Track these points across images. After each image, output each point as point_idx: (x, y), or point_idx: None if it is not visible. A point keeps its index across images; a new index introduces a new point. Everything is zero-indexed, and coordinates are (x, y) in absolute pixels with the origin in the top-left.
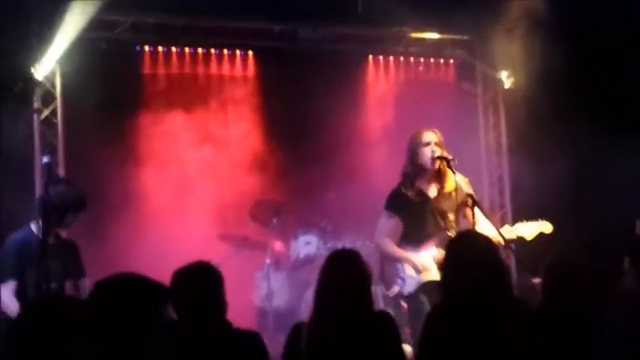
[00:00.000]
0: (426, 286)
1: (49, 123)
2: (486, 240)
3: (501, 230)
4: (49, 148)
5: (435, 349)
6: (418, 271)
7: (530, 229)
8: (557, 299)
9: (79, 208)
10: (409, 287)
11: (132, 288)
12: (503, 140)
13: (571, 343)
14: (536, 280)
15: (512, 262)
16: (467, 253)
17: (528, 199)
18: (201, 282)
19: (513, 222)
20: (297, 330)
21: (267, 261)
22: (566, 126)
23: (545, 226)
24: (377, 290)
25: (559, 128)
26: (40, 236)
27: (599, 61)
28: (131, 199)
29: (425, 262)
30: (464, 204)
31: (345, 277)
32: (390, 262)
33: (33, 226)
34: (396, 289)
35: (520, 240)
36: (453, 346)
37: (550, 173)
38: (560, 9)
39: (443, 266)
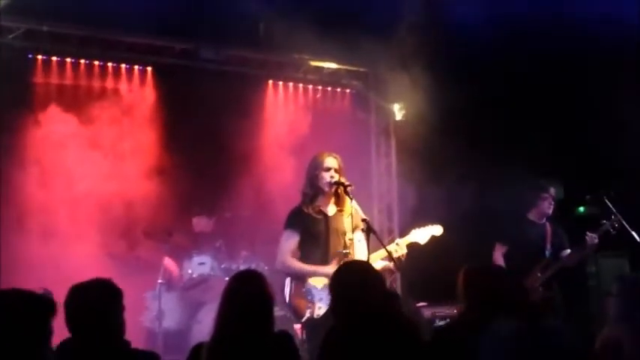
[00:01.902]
0: None
1: None
2: (370, 267)
3: (395, 243)
4: None
5: None
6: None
7: (423, 234)
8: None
9: None
10: (320, 310)
11: (13, 300)
12: (394, 168)
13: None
14: (420, 304)
15: (397, 286)
16: (352, 282)
17: (416, 225)
18: (100, 299)
19: None
20: (197, 350)
21: (160, 281)
22: (454, 155)
23: (436, 229)
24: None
25: (447, 157)
26: None
27: (487, 95)
28: (13, 213)
29: None
30: (358, 228)
31: (248, 298)
32: (298, 286)
33: None
34: (306, 314)
35: (415, 245)
36: None
37: (437, 200)
38: (452, 45)
39: (332, 293)
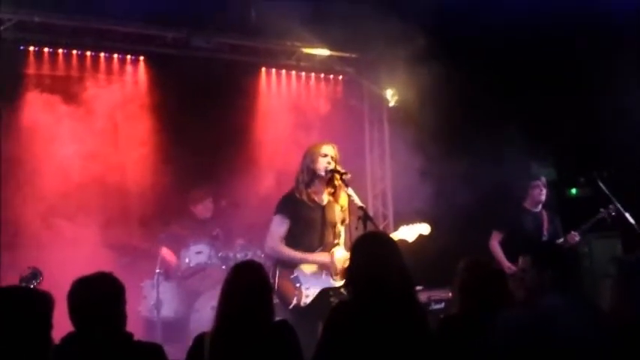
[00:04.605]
0: (323, 295)
1: None
2: (393, 242)
3: None
4: None
5: (338, 343)
6: (326, 268)
7: (411, 232)
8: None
9: None
10: (307, 298)
11: (13, 296)
12: (387, 154)
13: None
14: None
15: None
16: (377, 252)
17: (409, 211)
18: (104, 293)
19: None
20: (200, 340)
21: (157, 270)
22: (447, 140)
23: (424, 228)
24: None
25: (440, 142)
26: None
27: (479, 79)
28: (8, 206)
29: (326, 262)
30: (346, 220)
31: (248, 288)
32: (285, 272)
33: None
34: (293, 301)
35: (403, 243)
36: (356, 339)
37: (431, 186)
38: (443, 30)
39: (352, 262)
